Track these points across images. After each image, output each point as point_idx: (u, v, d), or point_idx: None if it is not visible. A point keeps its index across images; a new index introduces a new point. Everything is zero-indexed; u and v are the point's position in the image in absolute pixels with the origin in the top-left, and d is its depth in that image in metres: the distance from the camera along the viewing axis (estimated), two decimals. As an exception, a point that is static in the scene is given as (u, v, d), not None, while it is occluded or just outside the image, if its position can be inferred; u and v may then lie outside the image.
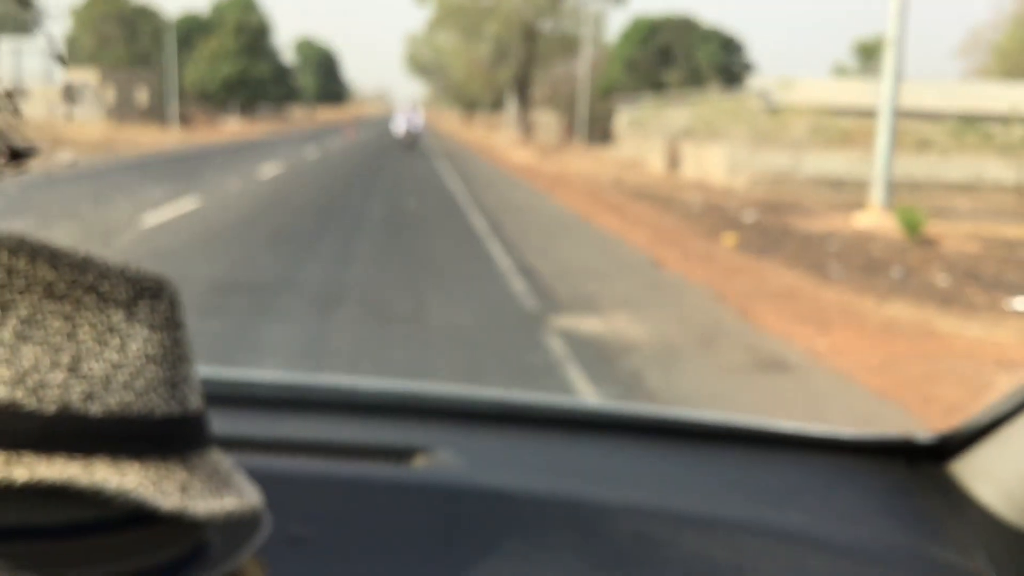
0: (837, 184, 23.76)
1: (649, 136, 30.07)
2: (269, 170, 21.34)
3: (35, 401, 0.55)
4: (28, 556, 0.54)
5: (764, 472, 1.14)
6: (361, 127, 61.75)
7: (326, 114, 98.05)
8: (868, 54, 57.48)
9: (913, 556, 0.99)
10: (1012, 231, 15.01)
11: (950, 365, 5.88)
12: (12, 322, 0.55)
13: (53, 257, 0.57)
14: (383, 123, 69.20)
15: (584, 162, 29.48)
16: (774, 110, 23.43)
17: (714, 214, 15.45)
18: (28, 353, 0.55)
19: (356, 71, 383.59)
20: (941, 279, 9.60)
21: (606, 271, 9.50)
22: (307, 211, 13.71)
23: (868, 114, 23.21)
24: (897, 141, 23.38)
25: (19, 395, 0.54)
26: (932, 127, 23.65)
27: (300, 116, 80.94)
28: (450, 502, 0.97)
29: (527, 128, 46.86)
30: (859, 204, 18.09)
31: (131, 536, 0.57)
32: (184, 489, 0.57)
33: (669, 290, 8.52)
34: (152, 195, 14.41)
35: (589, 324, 6.72)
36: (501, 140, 45.29)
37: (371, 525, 0.94)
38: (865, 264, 10.44)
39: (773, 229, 13.62)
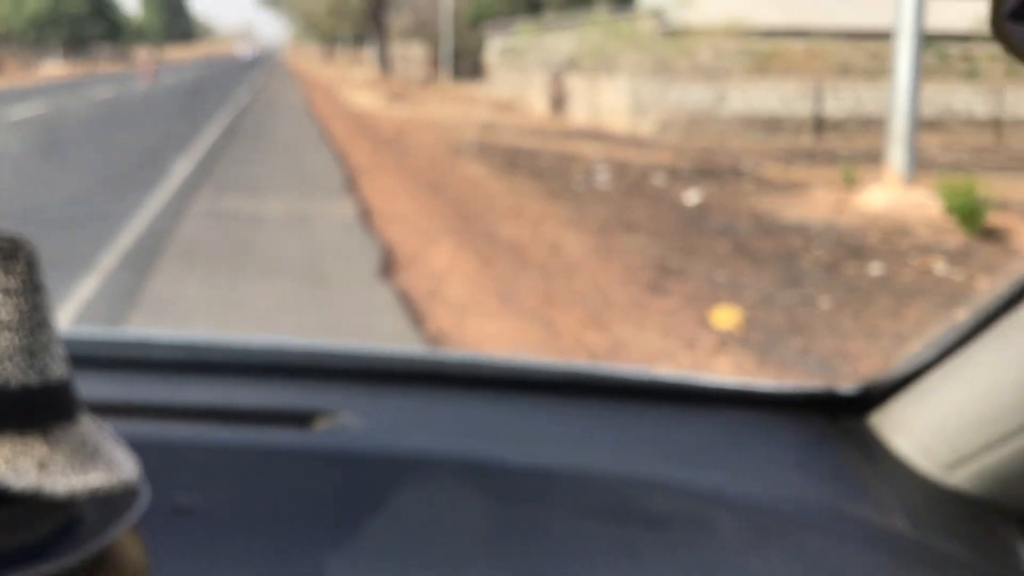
0: (772, 124, 18.36)
1: (527, 69, 24.13)
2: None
3: None
4: None
5: (680, 429, 1.10)
6: (189, 70, 52.23)
7: (175, 53, 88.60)
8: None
9: (830, 514, 0.97)
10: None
11: None
12: None
13: None
14: (223, 64, 61.65)
15: (447, 105, 23.38)
16: (671, 32, 17.90)
17: (639, 197, 9.78)
18: None
19: (212, 5, 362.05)
20: None
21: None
22: None
23: (790, 34, 18.17)
24: (819, 65, 18.58)
25: None
26: (879, 46, 18.06)
27: (145, 57, 72.05)
28: (351, 467, 0.94)
29: (385, 63, 40.04)
30: (816, 154, 12.49)
31: None
32: (42, 466, 0.53)
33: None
34: None
35: None
36: (355, 78, 38.48)
37: (267, 493, 0.91)
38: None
39: (747, 234, 7.92)
